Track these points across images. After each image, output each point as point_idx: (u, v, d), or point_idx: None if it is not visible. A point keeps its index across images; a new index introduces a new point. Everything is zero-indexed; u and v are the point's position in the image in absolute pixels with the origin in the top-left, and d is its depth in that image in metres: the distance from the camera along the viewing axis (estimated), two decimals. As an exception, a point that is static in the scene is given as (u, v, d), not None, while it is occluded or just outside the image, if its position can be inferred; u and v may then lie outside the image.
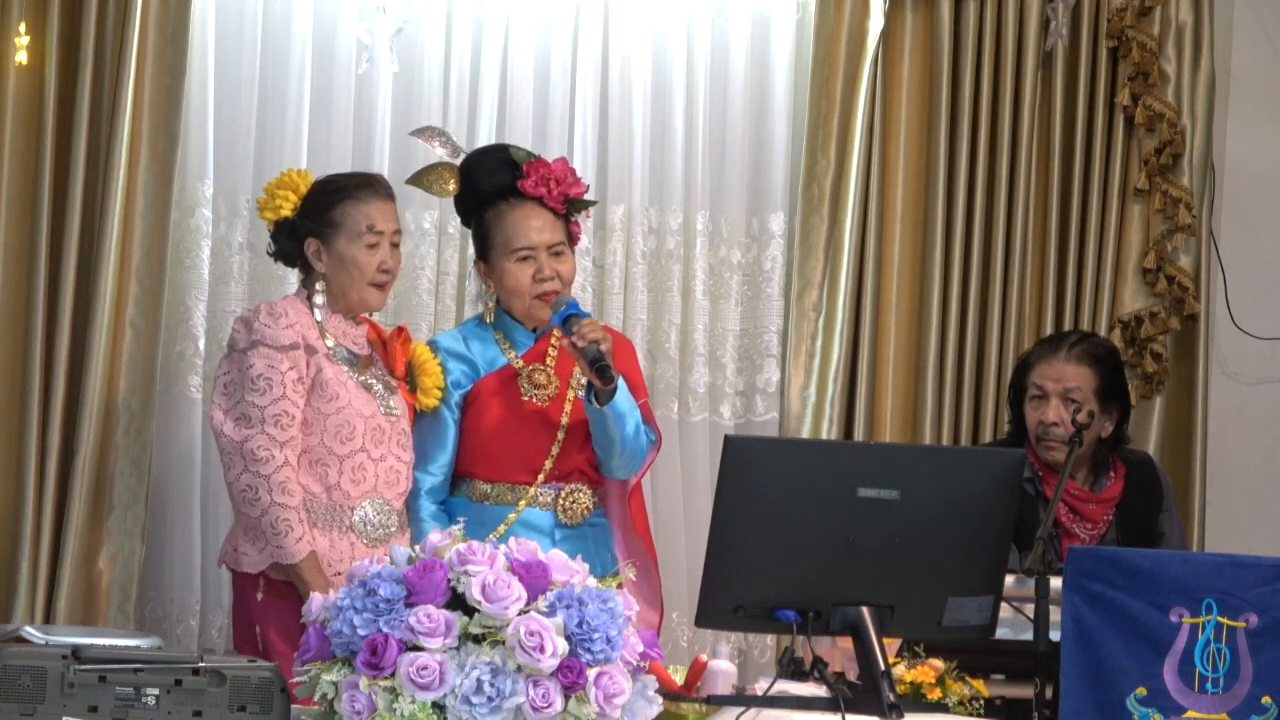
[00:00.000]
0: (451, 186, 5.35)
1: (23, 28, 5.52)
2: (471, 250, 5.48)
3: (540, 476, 5.22)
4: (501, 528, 5.14)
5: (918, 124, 6.32)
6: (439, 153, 5.41)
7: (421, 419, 5.26)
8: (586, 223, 6.08)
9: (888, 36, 6.29)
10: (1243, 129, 6.64)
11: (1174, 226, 6.42)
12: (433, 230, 6.00)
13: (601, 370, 5.08)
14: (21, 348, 5.66)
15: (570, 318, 5.14)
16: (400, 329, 5.38)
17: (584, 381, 5.26)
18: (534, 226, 5.26)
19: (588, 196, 5.46)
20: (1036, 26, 6.33)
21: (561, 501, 5.24)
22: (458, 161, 5.38)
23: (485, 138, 5.98)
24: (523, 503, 5.21)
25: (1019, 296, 6.35)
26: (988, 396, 6.31)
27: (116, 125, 5.64)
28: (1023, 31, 6.34)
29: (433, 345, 5.31)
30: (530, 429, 5.24)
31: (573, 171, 5.37)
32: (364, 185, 5.23)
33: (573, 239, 5.37)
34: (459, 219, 5.58)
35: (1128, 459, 5.70)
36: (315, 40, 5.95)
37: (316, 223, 5.17)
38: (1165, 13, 6.43)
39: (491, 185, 5.31)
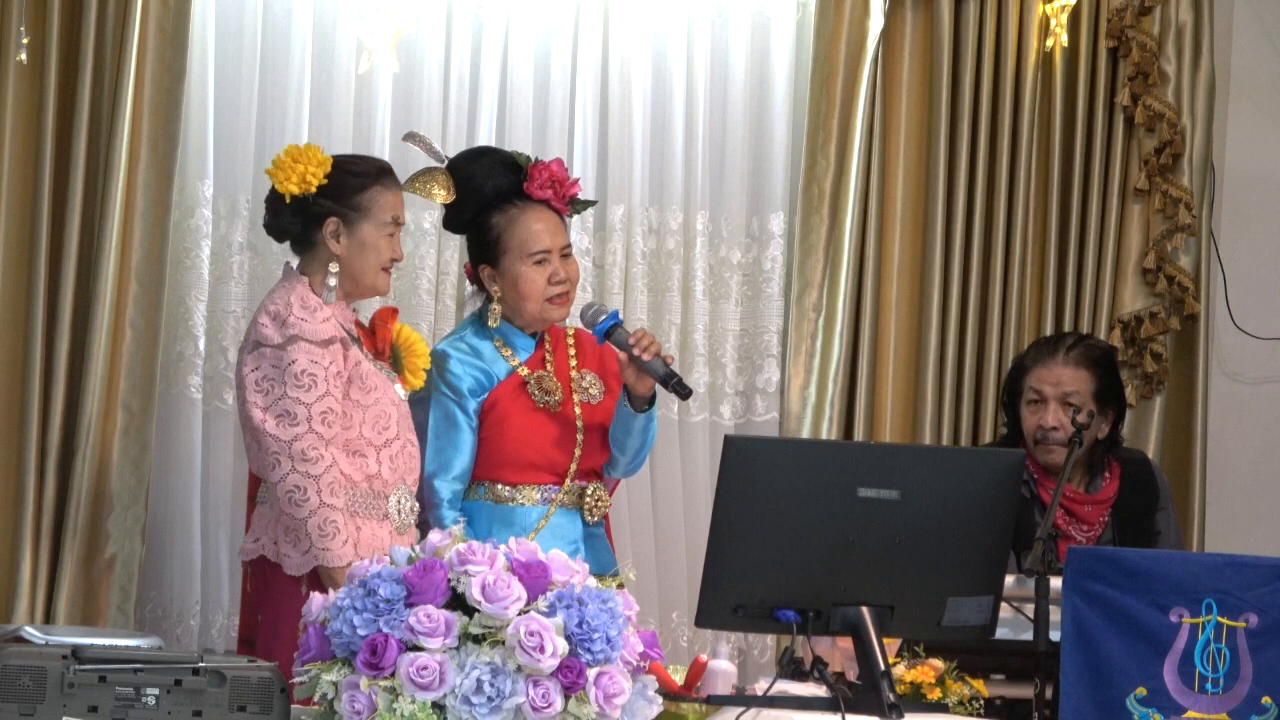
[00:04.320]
0: (442, 192, 5.29)
1: (23, 28, 5.52)
2: (472, 251, 5.46)
3: (567, 479, 5.21)
4: (532, 535, 5.11)
5: (918, 124, 6.33)
6: (434, 160, 5.37)
7: (437, 427, 5.23)
8: (586, 223, 6.09)
9: (888, 36, 6.29)
10: (1243, 129, 6.64)
11: (1174, 226, 6.42)
12: (433, 230, 5.99)
13: (678, 386, 5.08)
14: (21, 348, 5.66)
15: (614, 328, 5.15)
16: (392, 310, 5.32)
17: (587, 385, 5.28)
18: (547, 230, 5.25)
19: (585, 197, 5.47)
20: (1037, 26, 6.33)
21: (587, 500, 5.23)
22: (442, 166, 5.34)
23: (485, 138, 5.97)
24: (551, 506, 5.20)
25: (1019, 296, 6.35)
26: (988, 396, 6.32)
27: (116, 125, 5.64)
28: (1023, 31, 6.34)
29: (441, 354, 5.25)
30: (554, 434, 5.22)
31: (568, 171, 5.36)
32: (387, 173, 5.18)
33: None
34: (449, 223, 5.51)
35: (1123, 458, 5.70)
36: (315, 40, 5.95)
37: (341, 204, 5.09)
38: (1165, 13, 6.43)
39: (495, 188, 5.27)
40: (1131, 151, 6.46)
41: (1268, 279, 6.62)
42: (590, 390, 5.28)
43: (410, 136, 5.44)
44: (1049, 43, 6.34)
